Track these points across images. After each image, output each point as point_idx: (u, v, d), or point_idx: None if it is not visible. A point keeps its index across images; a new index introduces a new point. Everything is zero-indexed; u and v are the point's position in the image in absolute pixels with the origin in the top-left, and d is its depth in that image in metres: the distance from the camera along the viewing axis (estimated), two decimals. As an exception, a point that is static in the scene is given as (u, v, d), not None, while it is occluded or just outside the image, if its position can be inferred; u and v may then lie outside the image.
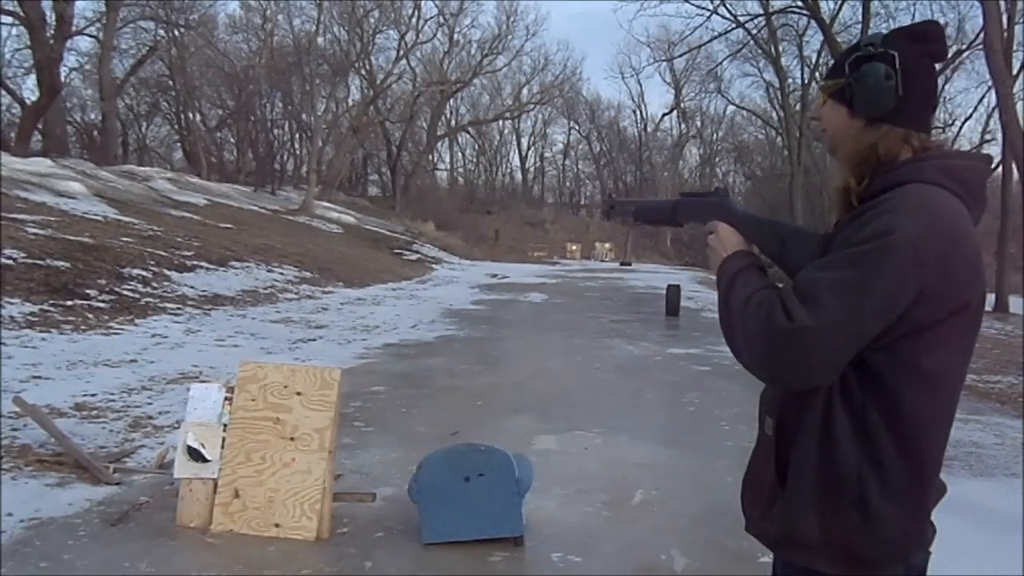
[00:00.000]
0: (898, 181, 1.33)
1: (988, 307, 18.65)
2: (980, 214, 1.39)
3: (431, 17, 39.18)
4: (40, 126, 24.15)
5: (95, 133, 32.37)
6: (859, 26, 26.83)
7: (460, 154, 56.14)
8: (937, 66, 1.46)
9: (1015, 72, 21.26)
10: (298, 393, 3.70)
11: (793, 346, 1.25)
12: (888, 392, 1.29)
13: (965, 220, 1.32)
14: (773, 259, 1.50)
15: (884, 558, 1.33)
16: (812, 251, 1.43)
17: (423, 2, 37.91)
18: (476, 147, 55.12)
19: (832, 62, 1.43)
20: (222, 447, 3.68)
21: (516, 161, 58.34)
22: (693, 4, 28.00)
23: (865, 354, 1.28)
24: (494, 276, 23.73)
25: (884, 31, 1.43)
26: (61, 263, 9.90)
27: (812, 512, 1.33)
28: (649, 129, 54.48)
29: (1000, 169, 20.67)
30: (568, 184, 61.02)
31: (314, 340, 9.54)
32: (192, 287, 11.41)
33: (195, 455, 3.66)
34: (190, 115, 36.04)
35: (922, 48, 1.36)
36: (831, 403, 1.32)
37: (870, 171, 1.37)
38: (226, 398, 3.76)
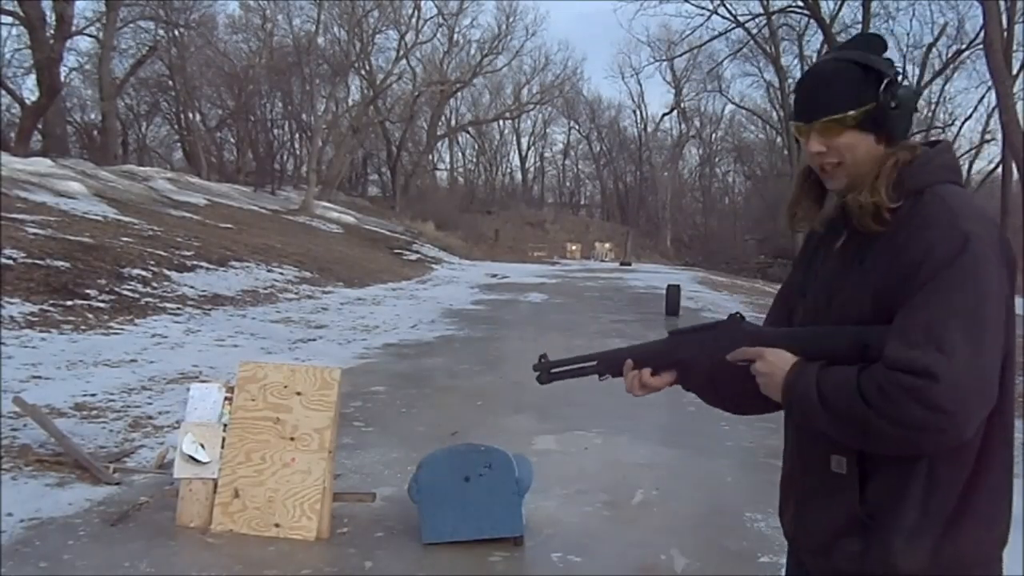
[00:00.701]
0: (920, 186, 1.31)
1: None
2: None
3: (431, 17, 39.18)
4: (40, 126, 24.16)
5: (95, 133, 32.36)
6: (859, 26, 26.83)
7: (460, 154, 56.19)
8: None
9: (1015, 72, 21.25)
10: (298, 393, 3.70)
11: (953, 395, 1.17)
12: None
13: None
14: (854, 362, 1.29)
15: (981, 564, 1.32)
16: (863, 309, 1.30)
17: (423, 2, 37.91)
18: (476, 147, 55.11)
19: (831, 89, 1.36)
20: (222, 447, 3.68)
21: (516, 161, 58.39)
22: (693, 4, 28.08)
23: None
24: (494, 276, 23.73)
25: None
26: (61, 263, 9.91)
27: (923, 541, 1.28)
28: (649, 129, 54.49)
29: (1000, 169, 20.67)
30: (568, 184, 61.04)
31: (314, 340, 9.54)
32: (192, 287, 11.41)
33: (193, 461, 3.66)
34: (190, 115, 36.03)
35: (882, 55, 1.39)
36: None
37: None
38: (226, 398, 3.76)
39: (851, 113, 1.33)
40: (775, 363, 1.35)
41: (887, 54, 1.40)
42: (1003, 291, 1.24)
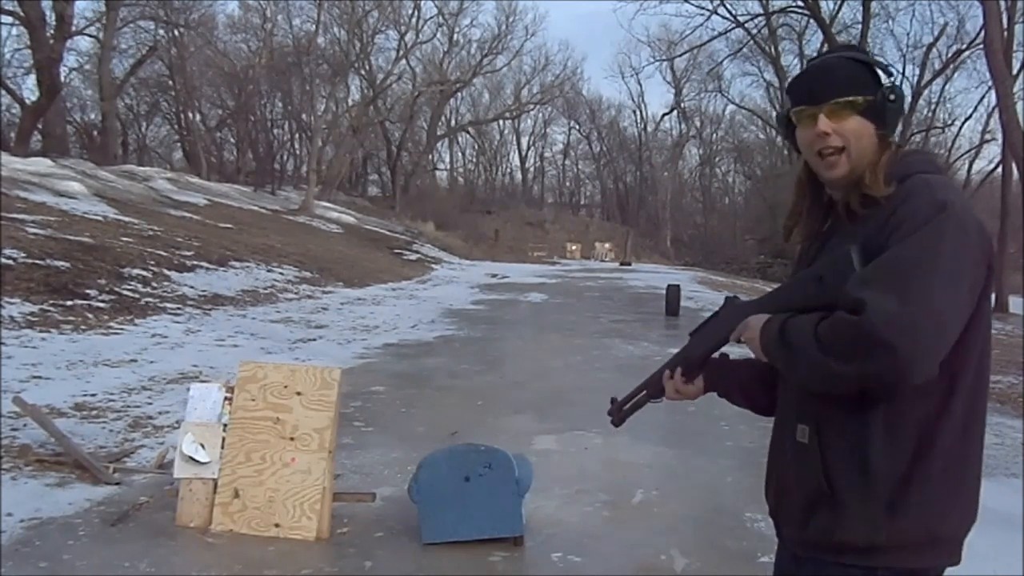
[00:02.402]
0: (905, 174, 1.38)
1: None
2: None
3: (431, 17, 39.20)
4: (40, 126, 24.15)
5: (95, 133, 32.36)
6: (859, 26, 26.84)
7: (460, 154, 56.19)
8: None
9: (1015, 72, 21.25)
10: (298, 393, 3.70)
11: (893, 336, 1.20)
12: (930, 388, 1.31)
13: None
14: (818, 305, 1.36)
15: (940, 545, 1.36)
16: (849, 269, 1.33)
17: (423, 2, 37.93)
18: (476, 147, 55.12)
19: (837, 75, 1.42)
20: (222, 447, 3.68)
21: (516, 161, 58.39)
22: (693, 4, 28.07)
23: None
24: (494, 276, 23.73)
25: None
26: (61, 263, 9.91)
27: (873, 513, 1.32)
28: (649, 129, 54.50)
29: (1000, 169, 20.67)
30: (568, 184, 61.05)
31: (314, 340, 9.54)
32: (192, 287, 11.41)
33: (193, 460, 3.66)
34: (190, 115, 36.04)
35: (849, 58, 1.46)
36: (874, 403, 1.32)
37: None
38: (226, 398, 3.76)
39: (859, 98, 1.39)
40: (755, 326, 1.42)
41: (888, 54, 1.50)
42: (975, 265, 1.28)
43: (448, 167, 55.18)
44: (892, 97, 1.39)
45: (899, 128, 1.44)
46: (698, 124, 52.95)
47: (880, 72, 1.42)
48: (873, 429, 1.32)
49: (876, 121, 1.40)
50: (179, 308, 10.11)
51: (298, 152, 43.81)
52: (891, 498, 1.31)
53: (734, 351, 1.56)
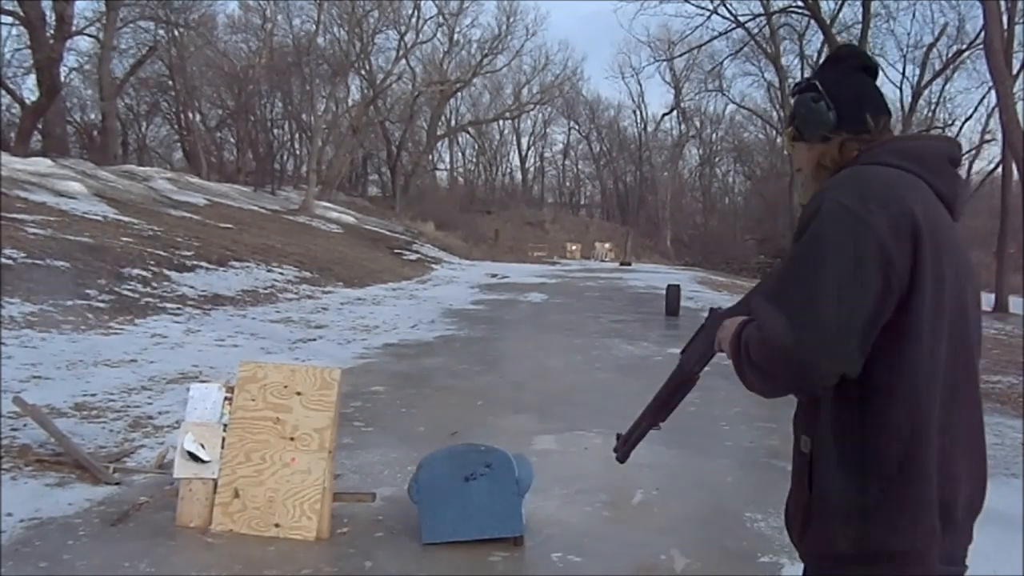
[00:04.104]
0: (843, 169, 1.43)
1: (988, 307, 18.70)
2: (952, 191, 1.42)
3: (431, 17, 39.14)
4: (40, 126, 24.15)
5: (95, 133, 32.35)
6: (859, 26, 26.82)
7: (460, 154, 56.16)
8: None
9: (1015, 72, 21.24)
10: (298, 393, 3.70)
11: (786, 352, 1.29)
12: (871, 390, 1.32)
13: (911, 186, 1.36)
14: None
15: (904, 555, 1.33)
16: None
17: (423, 2, 37.88)
18: (476, 147, 55.09)
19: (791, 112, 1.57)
20: (222, 447, 3.68)
21: (516, 161, 58.36)
22: (693, 4, 28.05)
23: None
24: (494, 276, 23.72)
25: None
26: (61, 263, 9.90)
27: (839, 524, 1.34)
28: (649, 129, 54.47)
29: (1000, 169, 20.67)
30: (568, 184, 61.01)
31: (314, 340, 9.54)
32: (192, 287, 11.41)
33: (194, 459, 3.66)
34: (190, 115, 36.03)
35: (840, 66, 1.52)
36: (836, 415, 1.35)
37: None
38: (226, 398, 3.76)
39: (787, 131, 1.54)
40: (729, 327, 1.50)
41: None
42: (860, 264, 1.28)
43: (448, 167, 55.22)
44: (802, 110, 1.50)
45: (829, 124, 1.46)
46: (698, 124, 52.96)
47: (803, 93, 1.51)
48: (847, 439, 1.34)
49: (801, 138, 1.52)
50: (179, 308, 10.11)
51: (298, 152, 43.83)
52: (869, 510, 1.32)
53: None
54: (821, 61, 1.58)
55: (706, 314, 1.68)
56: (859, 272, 1.27)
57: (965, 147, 36.39)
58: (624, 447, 1.88)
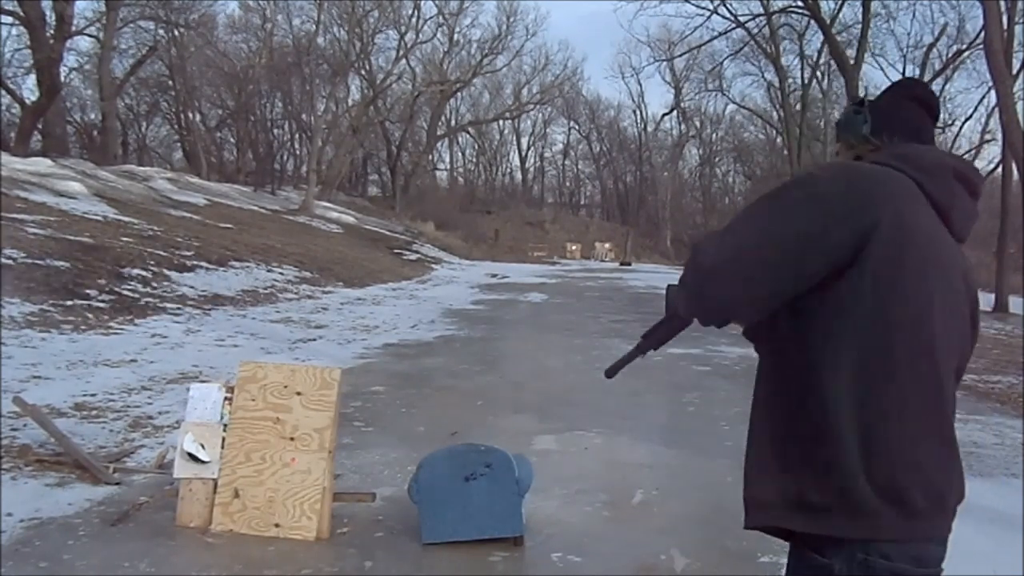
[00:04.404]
0: None
1: (988, 307, 18.67)
2: (947, 197, 1.42)
3: (431, 17, 39.14)
4: (40, 126, 24.16)
5: (95, 133, 32.36)
6: (859, 26, 26.82)
7: (460, 154, 56.16)
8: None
9: (1015, 72, 21.23)
10: (298, 393, 3.70)
11: (707, 279, 1.41)
12: (807, 349, 1.37)
13: (890, 179, 1.39)
14: None
15: (837, 508, 1.32)
16: None
17: (423, 2, 37.88)
18: (476, 147, 55.08)
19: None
20: (222, 447, 3.68)
21: (516, 161, 58.35)
22: (693, 4, 28.04)
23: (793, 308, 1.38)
24: (494, 276, 23.73)
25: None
26: (61, 263, 9.91)
27: (768, 469, 1.43)
28: (649, 129, 54.46)
29: (1000, 169, 20.66)
30: (568, 184, 61.00)
31: (314, 340, 9.54)
32: (192, 287, 11.41)
33: (193, 460, 3.66)
34: (190, 115, 36.04)
35: (900, 92, 1.62)
36: (770, 368, 1.46)
37: None
38: (226, 398, 3.75)
39: (836, 145, 1.71)
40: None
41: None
42: (811, 220, 1.33)
43: (448, 167, 55.21)
44: (841, 115, 1.69)
45: (859, 133, 1.59)
46: (698, 124, 52.94)
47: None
48: (773, 382, 1.46)
49: (844, 143, 1.65)
50: (179, 308, 10.12)
51: (298, 152, 43.84)
52: (779, 462, 1.41)
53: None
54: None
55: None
56: (792, 231, 1.34)
57: (965, 147, 36.45)
58: (613, 369, 2.04)
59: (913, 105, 1.59)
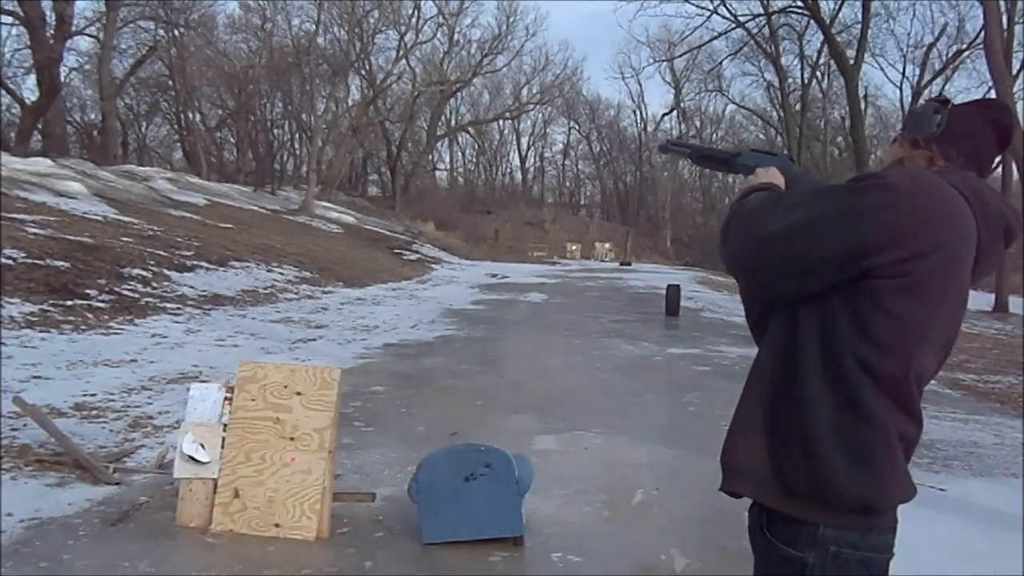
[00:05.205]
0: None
1: (988, 307, 18.66)
2: (992, 242, 1.45)
3: (431, 17, 39.14)
4: (40, 126, 24.16)
5: (95, 133, 32.37)
6: (859, 26, 26.81)
7: (460, 154, 56.18)
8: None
9: (1015, 72, 21.24)
10: (298, 393, 3.70)
11: (758, 248, 1.41)
12: (828, 345, 1.37)
13: (957, 207, 1.39)
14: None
15: (818, 500, 1.35)
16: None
17: (423, 2, 37.88)
18: (476, 147, 55.10)
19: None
20: (222, 447, 3.68)
21: (516, 161, 58.36)
22: (693, 4, 27.97)
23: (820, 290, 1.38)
24: (494, 276, 23.73)
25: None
26: (61, 263, 9.90)
27: (757, 438, 1.42)
28: (649, 129, 54.45)
29: (1000, 169, 20.65)
30: (568, 184, 61.01)
31: (314, 340, 9.54)
32: (192, 287, 11.41)
33: (193, 460, 3.66)
34: (190, 115, 36.04)
35: (982, 110, 1.57)
36: (785, 339, 1.42)
37: None
38: (226, 398, 3.75)
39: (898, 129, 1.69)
40: (765, 174, 1.65)
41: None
42: (881, 229, 1.32)
43: (448, 167, 55.22)
44: (914, 109, 1.65)
45: (929, 131, 1.54)
46: (698, 124, 52.94)
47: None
48: (782, 371, 1.42)
49: (900, 137, 1.62)
50: (179, 308, 10.11)
51: (298, 152, 43.85)
52: (796, 431, 1.39)
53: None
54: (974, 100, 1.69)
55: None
56: (856, 231, 1.33)
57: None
58: (668, 145, 2.06)
59: (990, 132, 1.56)
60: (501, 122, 50.98)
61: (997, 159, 1.65)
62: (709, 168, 1.95)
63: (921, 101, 1.76)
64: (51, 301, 8.61)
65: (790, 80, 36.86)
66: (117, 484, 4.14)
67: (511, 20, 42.30)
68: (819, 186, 1.52)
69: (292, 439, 3.65)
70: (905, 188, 1.35)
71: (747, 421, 1.45)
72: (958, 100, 1.60)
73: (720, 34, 31.15)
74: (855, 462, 1.33)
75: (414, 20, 37.75)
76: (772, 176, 1.64)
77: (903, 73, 37.34)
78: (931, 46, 31.60)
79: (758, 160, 1.74)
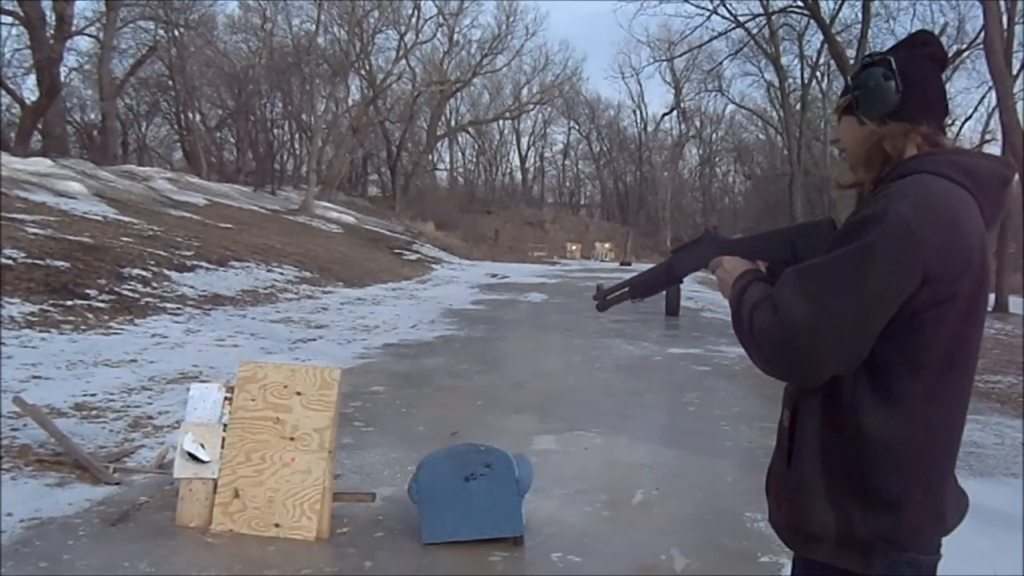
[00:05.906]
0: (906, 173, 1.37)
1: (988, 307, 18.64)
2: (995, 212, 1.40)
3: (431, 17, 39.17)
4: (40, 126, 24.15)
5: (95, 133, 32.36)
6: (859, 26, 26.81)
7: (460, 154, 56.20)
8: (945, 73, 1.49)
9: (1015, 72, 21.24)
10: (298, 393, 3.70)
11: (797, 339, 1.29)
12: (881, 379, 1.32)
13: (965, 208, 1.33)
14: (788, 264, 1.47)
15: (883, 546, 1.33)
16: (822, 240, 1.43)
17: (423, 2, 37.90)
18: (476, 147, 55.13)
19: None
20: (222, 447, 3.68)
21: (516, 161, 58.39)
22: (693, 4, 27.98)
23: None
24: (494, 276, 23.73)
25: (883, 32, 1.50)
26: (61, 263, 9.90)
27: (821, 499, 1.36)
28: (649, 129, 54.49)
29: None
30: (568, 184, 61.04)
31: (314, 340, 9.54)
32: (192, 287, 11.41)
33: (193, 460, 3.66)
34: (190, 115, 36.03)
35: (919, 51, 1.44)
36: (835, 389, 1.35)
37: (879, 167, 1.41)
38: (226, 398, 3.75)
39: (839, 102, 1.48)
40: (729, 270, 1.54)
41: (891, 46, 1.47)
42: (911, 274, 1.27)
43: (448, 167, 55.23)
44: (857, 86, 1.43)
45: (891, 105, 1.40)
46: (698, 124, 52.97)
47: (868, 67, 1.43)
48: (837, 415, 1.35)
49: (853, 114, 1.44)
50: (179, 308, 10.11)
51: (298, 152, 43.85)
52: (854, 481, 1.34)
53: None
54: (899, 41, 1.48)
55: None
56: (892, 292, 1.28)
57: (965, 147, 36.43)
58: (604, 301, 1.94)
59: (936, 70, 1.45)
60: (501, 122, 51.03)
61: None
62: (655, 293, 1.87)
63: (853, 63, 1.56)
64: (51, 301, 8.61)
65: (790, 80, 36.91)
66: (117, 484, 4.14)
67: (511, 20, 42.37)
68: (813, 265, 1.35)
69: (292, 439, 3.65)
70: (912, 224, 1.27)
71: (809, 480, 1.39)
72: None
73: (720, 34, 31.18)
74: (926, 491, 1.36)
75: (414, 20, 37.80)
76: (734, 267, 1.53)
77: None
78: (931, 46, 31.47)
79: (694, 256, 1.67)
